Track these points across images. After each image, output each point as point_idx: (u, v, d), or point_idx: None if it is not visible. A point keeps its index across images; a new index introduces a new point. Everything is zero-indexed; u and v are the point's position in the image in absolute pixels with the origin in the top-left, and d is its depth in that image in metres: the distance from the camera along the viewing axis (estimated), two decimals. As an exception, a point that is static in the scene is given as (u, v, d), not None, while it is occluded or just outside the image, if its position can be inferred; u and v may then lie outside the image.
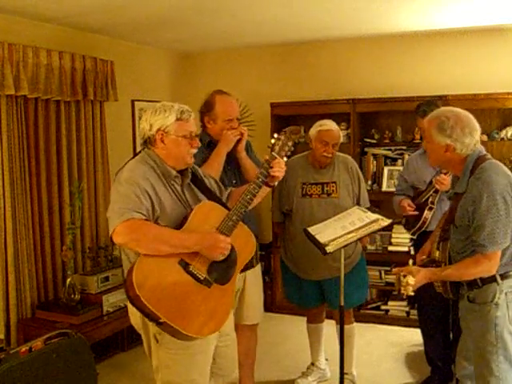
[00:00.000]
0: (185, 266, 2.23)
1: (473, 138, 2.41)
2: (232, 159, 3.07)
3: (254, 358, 3.42)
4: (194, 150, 2.40)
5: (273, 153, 2.44)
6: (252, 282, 3.19)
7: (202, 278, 2.24)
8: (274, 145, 2.46)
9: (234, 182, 3.05)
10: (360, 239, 3.47)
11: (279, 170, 2.43)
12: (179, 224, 2.29)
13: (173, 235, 2.23)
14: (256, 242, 2.59)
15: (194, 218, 2.31)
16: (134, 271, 2.12)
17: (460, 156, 2.43)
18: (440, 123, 2.42)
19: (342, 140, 3.51)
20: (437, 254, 2.56)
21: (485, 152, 2.46)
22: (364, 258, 3.65)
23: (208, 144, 3.02)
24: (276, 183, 2.53)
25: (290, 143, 2.48)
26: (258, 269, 3.26)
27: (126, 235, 2.16)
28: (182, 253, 2.23)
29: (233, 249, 2.34)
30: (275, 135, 2.48)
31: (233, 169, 3.09)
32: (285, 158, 2.49)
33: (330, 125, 3.43)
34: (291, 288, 3.67)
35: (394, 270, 2.51)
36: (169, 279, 2.19)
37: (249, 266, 3.13)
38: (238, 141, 3.03)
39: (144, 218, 2.20)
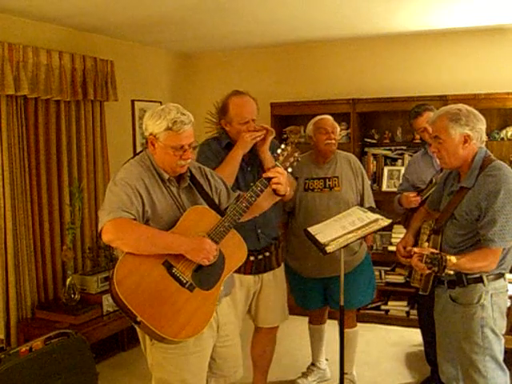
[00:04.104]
0: (169, 267, 2.21)
1: (484, 126, 2.46)
2: (254, 161, 3.04)
3: (269, 360, 3.39)
4: (184, 162, 2.34)
5: (276, 162, 2.44)
6: (270, 284, 3.15)
7: (184, 282, 2.22)
8: (279, 155, 2.45)
9: (252, 184, 3.02)
10: (364, 238, 3.48)
11: (277, 177, 2.39)
12: (171, 226, 2.29)
13: (157, 236, 2.21)
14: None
15: (185, 220, 2.30)
16: (116, 268, 2.14)
17: (473, 150, 2.45)
18: (454, 115, 2.43)
19: (338, 130, 3.56)
20: (425, 246, 2.56)
21: (489, 152, 2.50)
22: (370, 258, 3.65)
23: (226, 145, 3.00)
24: (286, 192, 2.48)
25: (296, 154, 2.47)
26: (278, 271, 3.21)
27: (112, 234, 2.17)
28: (168, 254, 2.22)
29: (221, 255, 2.33)
30: (282, 146, 2.47)
31: (254, 171, 3.04)
32: (289, 169, 2.47)
33: (322, 115, 3.55)
34: (295, 289, 3.66)
35: (415, 249, 2.38)
36: (150, 279, 2.17)
37: (267, 268, 3.12)
38: (262, 140, 2.96)
39: (132, 217, 2.20)
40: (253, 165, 3.05)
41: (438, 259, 2.21)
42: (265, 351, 3.35)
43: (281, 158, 2.45)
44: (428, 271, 2.30)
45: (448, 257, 2.22)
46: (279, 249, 3.21)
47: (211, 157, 2.98)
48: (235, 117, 2.95)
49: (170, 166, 2.35)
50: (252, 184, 3.00)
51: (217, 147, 3.03)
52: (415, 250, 2.35)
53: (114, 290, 2.11)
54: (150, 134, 2.33)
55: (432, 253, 2.26)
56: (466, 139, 2.42)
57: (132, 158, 2.46)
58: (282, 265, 3.27)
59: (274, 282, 3.18)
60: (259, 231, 3.03)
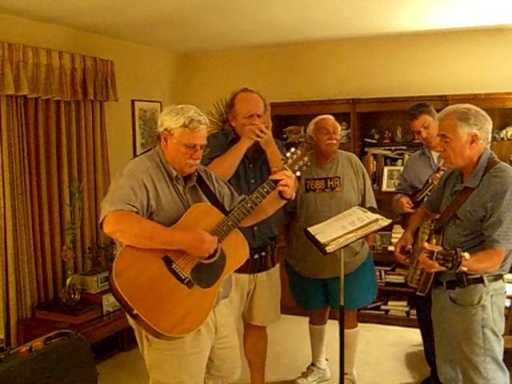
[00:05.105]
0: (168, 262, 2.22)
1: (490, 126, 2.45)
2: (257, 158, 3.07)
3: (262, 358, 3.40)
4: (193, 162, 2.37)
5: (285, 165, 2.43)
6: (264, 284, 3.15)
7: (183, 278, 2.23)
8: (288, 158, 2.45)
9: (253, 181, 3.04)
10: (366, 238, 3.48)
11: (284, 180, 2.38)
12: (175, 222, 2.30)
13: (157, 231, 2.22)
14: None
15: (188, 216, 2.32)
16: (115, 260, 2.15)
17: (480, 150, 2.45)
18: (462, 114, 2.42)
19: (340, 130, 3.54)
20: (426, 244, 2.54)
21: (494, 154, 2.50)
22: (371, 258, 3.64)
23: (232, 140, 3.03)
24: (292, 196, 2.48)
25: (305, 158, 2.46)
26: (273, 271, 3.21)
27: (113, 225, 2.18)
28: (169, 249, 2.23)
29: (222, 254, 2.33)
30: (292, 149, 2.47)
31: (256, 169, 3.07)
32: (298, 173, 2.46)
33: (323, 115, 3.52)
34: (296, 290, 3.66)
35: (425, 244, 2.29)
36: (149, 273, 2.18)
37: (262, 268, 3.12)
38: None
39: (135, 211, 2.21)
40: (255, 162, 3.07)
41: (453, 255, 2.16)
42: (257, 348, 3.35)
43: (289, 160, 2.44)
44: (435, 269, 2.26)
45: (462, 253, 2.17)
46: (275, 249, 3.22)
47: (214, 147, 3.02)
48: (240, 110, 2.99)
49: (179, 164, 2.37)
50: (253, 181, 3.02)
51: (222, 140, 3.08)
52: (425, 245, 2.29)
53: (112, 282, 2.12)
54: (165, 130, 2.36)
55: (445, 249, 2.22)
56: (474, 139, 2.41)
57: (139, 154, 2.49)
58: (278, 265, 3.27)
59: (268, 282, 3.18)
60: (255, 228, 3.02)
